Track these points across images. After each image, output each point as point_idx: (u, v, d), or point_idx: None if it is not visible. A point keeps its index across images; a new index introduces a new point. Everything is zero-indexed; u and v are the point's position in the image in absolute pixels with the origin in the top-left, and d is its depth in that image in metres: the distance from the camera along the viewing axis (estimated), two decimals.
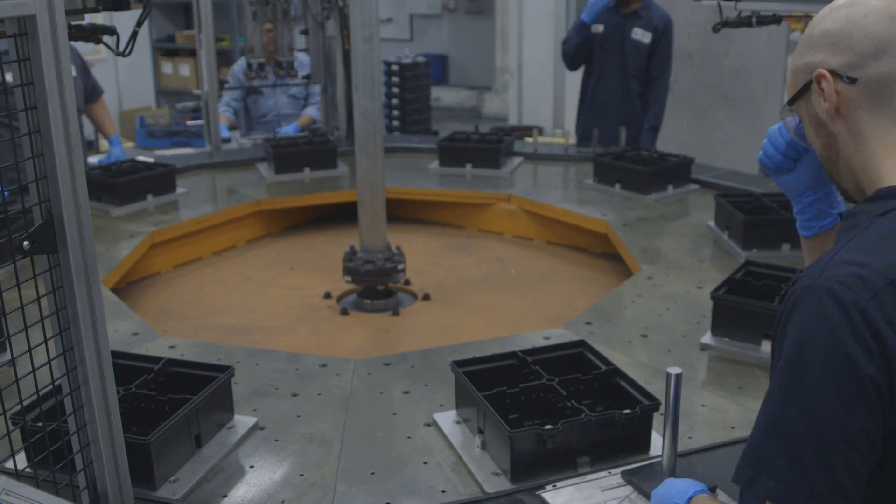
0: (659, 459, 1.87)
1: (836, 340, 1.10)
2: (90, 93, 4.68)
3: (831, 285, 1.12)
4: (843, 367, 1.10)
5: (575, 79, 7.31)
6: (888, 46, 1.23)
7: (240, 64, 5.68)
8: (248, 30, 5.17)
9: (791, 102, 1.37)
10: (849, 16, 1.26)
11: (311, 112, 5.72)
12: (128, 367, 2.17)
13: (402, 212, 4.49)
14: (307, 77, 5.46)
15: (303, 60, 5.54)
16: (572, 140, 5.17)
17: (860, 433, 1.10)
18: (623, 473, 1.88)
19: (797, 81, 1.34)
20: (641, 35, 4.90)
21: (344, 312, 3.45)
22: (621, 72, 4.96)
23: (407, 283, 3.64)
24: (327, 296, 3.56)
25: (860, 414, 1.10)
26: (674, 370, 1.74)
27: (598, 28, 4.98)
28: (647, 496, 1.79)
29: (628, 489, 1.85)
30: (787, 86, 1.38)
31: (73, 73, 4.55)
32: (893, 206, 1.20)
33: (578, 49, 5.02)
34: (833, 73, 1.26)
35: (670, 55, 5.02)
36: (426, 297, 3.59)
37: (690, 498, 1.42)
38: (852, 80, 1.25)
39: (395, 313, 3.44)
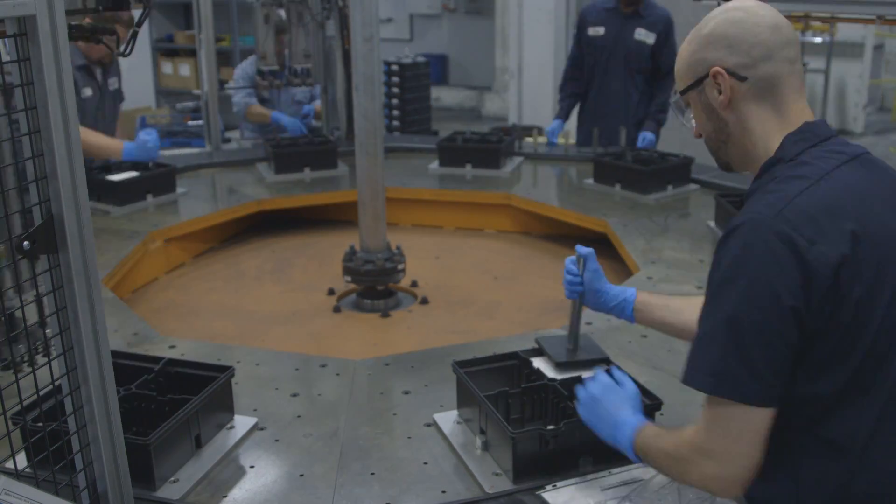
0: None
1: (751, 256, 1.36)
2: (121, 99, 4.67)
3: (747, 216, 1.40)
4: (756, 278, 1.36)
5: None
6: (773, 52, 1.48)
7: (245, 66, 5.62)
8: (259, 34, 4.88)
9: (686, 91, 1.58)
10: (743, 22, 1.50)
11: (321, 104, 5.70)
12: (128, 367, 2.16)
13: (402, 212, 4.48)
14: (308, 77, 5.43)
15: None
16: (572, 140, 5.17)
17: (770, 330, 1.35)
18: (536, 338, 2.28)
19: (692, 73, 1.56)
20: (645, 35, 4.88)
21: (341, 312, 3.45)
22: (624, 73, 4.94)
23: (414, 284, 3.63)
24: (329, 295, 3.56)
25: (770, 314, 1.35)
26: (583, 250, 2.09)
27: (599, 31, 4.95)
28: (551, 358, 2.17)
29: (629, 489, 1.85)
30: (679, 75, 1.60)
31: (117, 84, 4.50)
32: (776, 162, 1.48)
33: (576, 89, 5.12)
34: (728, 71, 1.50)
35: (675, 49, 4.98)
36: (425, 299, 3.59)
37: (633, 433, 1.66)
38: (743, 78, 1.49)
39: (387, 315, 3.44)
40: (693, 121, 1.64)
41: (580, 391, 1.81)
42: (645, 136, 4.85)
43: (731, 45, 1.49)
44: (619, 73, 4.94)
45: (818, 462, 1.43)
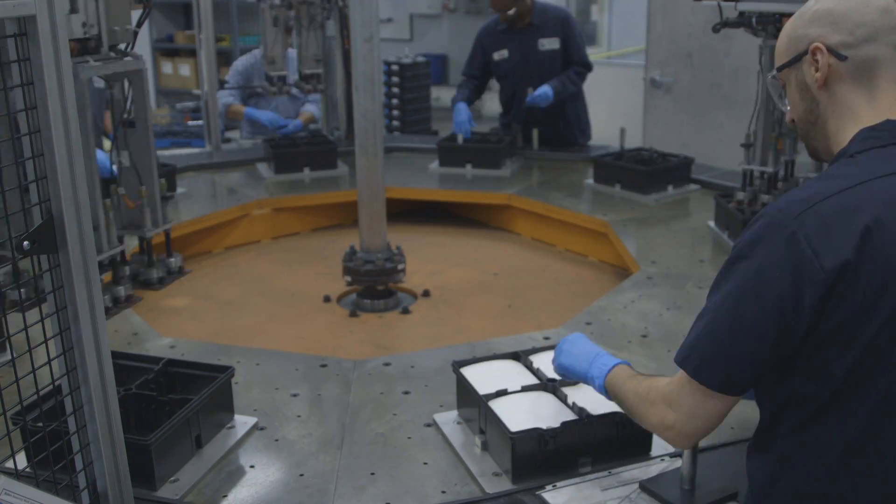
0: (668, 465, 1.87)
1: (755, 253, 1.37)
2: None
3: (769, 210, 1.40)
4: (752, 275, 1.37)
5: None
6: (878, 35, 1.44)
7: (243, 62, 5.62)
8: (268, 37, 4.65)
9: (783, 67, 1.54)
10: (851, 1, 1.45)
11: (311, 109, 5.68)
12: (128, 367, 2.17)
13: (401, 212, 4.48)
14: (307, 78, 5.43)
15: (293, 57, 5.39)
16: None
17: (754, 326, 1.38)
18: (641, 484, 1.86)
19: (792, 49, 1.52)
20: (549, 43, 4.83)
21: (341, 311, 3.45)
22: (542, 83, 4.81)
23: (426, 294, 3.61)
24: (327, 298, 3.56)
25: (756, 312, 1.37)
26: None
27: (503, 54, 4.88)
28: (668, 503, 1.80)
29: (628, 489, 1.85)
30: (779, 52, 1.55)
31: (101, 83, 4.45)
32: (841, 156, 1.45)
33: (477, 88, 5.04)
34: (829, 48, 1.45)
35: (582, 44, 4.94)
36: (426, 296, 3.59)
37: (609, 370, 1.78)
38: (843, 58, 1.45)
39: (397, 313, 3.44)
40: (788, 104, 1.57)
41: (561, 342, 1.95)
42: (542, 92, 4.73)
43: (836, 23, 1.45)
44: (536, 87, 4.82)
45: (802, 459, 1.44)
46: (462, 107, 4.89)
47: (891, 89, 1.45)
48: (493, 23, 4.98)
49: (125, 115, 3.17)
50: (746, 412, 2.21)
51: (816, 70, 1.47)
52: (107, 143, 4.74)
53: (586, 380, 1.84)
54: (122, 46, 2.98)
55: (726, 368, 1.42)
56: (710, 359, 1.43)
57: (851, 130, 1.46)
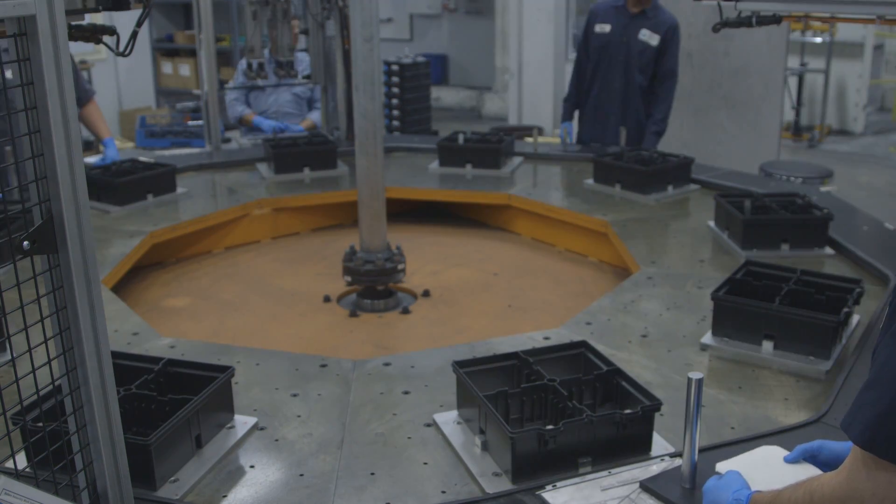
0: (669, 465, 1.86)
1: None
2: (79, 97, 4.63)
3: None
4: None
5: None
6: None
7: (243, 64, 5.66)
8: (248, 30, 5.12)
9: None
10: None
11: (315, 117, 5.72)
12: (128, 367, 2.17)
13: (401, 212, 4.49)
14: (307, 77, 5.46)
15: (303, 59, 5.53)
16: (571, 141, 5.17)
17: None
18: (641, 483, 1.86)
19: None
20: (649, 37, 4.91)
21: (341, 311, 3.45)
22: (626, 71, 4.98)
23: (426, 294, 3.60)
24: (326, 299, 3.56)
25: None
26: (695, 375, 1.74)
27: (605, 28, 4.99)
28: (670, 502, 1.79)
29: (628, 489, 1.85)
30: None
31: None
32: None
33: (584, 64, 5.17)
34: None
35: (678, 57, 5.03)
36: (426, 296, 3.59)
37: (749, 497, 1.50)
38: None
39: (397, 313, 3.44)
40: None
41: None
42: (649, 142, 4.92)
43: None
44: (621, 72, 4.99)
45: None
46: (567, 126, 5.18)
47: None
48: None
49: None
50: (747, 411, 2.22)
51: None
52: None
53: None
54: (121, 47, 2.97)
55: None
56: (892, 424, 1.22)
57: None
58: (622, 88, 4.99)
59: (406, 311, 3.45)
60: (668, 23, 4.95)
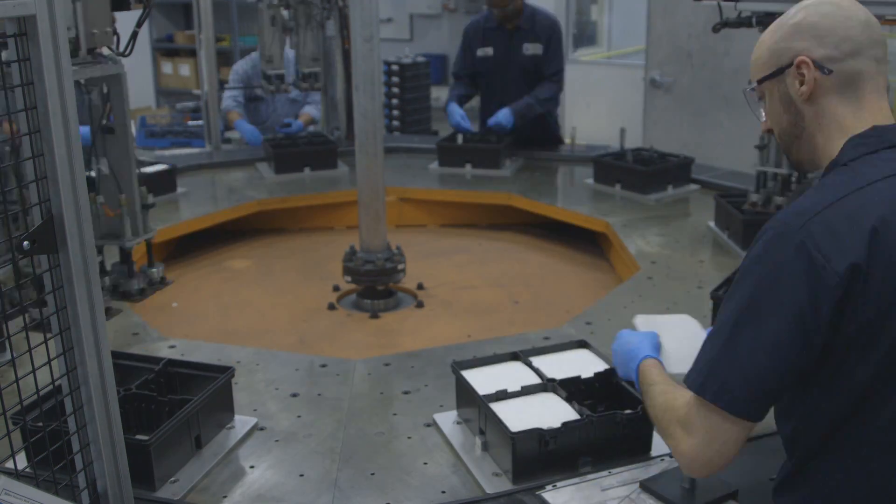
0: (670, 463, 1.87)
1: (766, 264, 1.36)
2: None
3: (776, 221, 1.39)
4: (766, 287, 1.35)
5: (575, 78, 7.29)
6: (862, 49, 1.45)
7: (243, 65, 5.62)
8: (265, 37, 4.68)
9: (764, 80, 1.54)
10: (834, 15, 1.46)
11: (310, 111, 5.68)
12: (128, 367, 2.17)
13: (401, 211, 4.49)
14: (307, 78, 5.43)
15: (290, 58, 5.37)
16: (572, 140, 5.16)
17: (773, 343, 1.34)
18: (641, 483, 1.86)
19: (773, 61, 1.51)
20: (534, 48, 4.84)
21: (341, 312, 3.45)
22: (519, 87, 4.85)
23: (426, 294, 3.60)
24: (329, 303, 3.55)
25: (775, 326, 1.34)
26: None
27: (487, 51, 4.90)
28: (669, 501, 1.79)
29: (628, 489, 1.85)
30: (758, 63, 1.56)
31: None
32: (834, 165, 1.46)
33: (469, 86, 5.04)
34: (814, 62, 1.45)
35: (561, 55, 4.97)
36: (426, 297, 3.58)
37: (640, 362, 1.73)
38: (829, 72, 1.45)
39: (401, 312, 3.44)
40: (764, 114, 1.58)
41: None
42: (501, 118, 4.71)
43: (820, 37, 1.45)
44: (515, 89, 4.86)
45: (831, 477, 1.42)
46: (453, 107, 4.89)
47: (874, 100, 1.47)
48: (481, 19, 5.00)
49: (103, 121, 3.05)
50: None
51: (801, 83, 1.47)
52: None
53: (630, 379, 1.80)
54: (121, 47, 2.97)
55: (749, 391, 1.37)
56: (730, 381, 1.38)
57: (839, 141, 1.46)
58: (517, 100, 4.84)
59: (406, 311, 3.45)
60: (548, 26, 4.87)
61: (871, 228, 1.31)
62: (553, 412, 1.98)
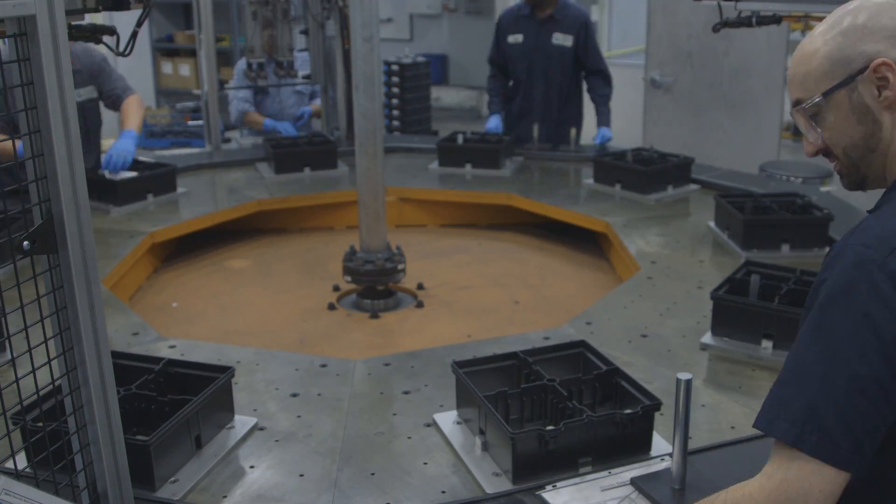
0: (668, 465, 1.86)
1: (855, 296, 1.22)
2: (118, 95, 4.34)
3: (855, 247, 1.25)
4: (860, 321, 1.21)
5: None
6: None
7: (241, 64, 5.65)
8: (248, 30, 5.16)
9: (829, 93, 1.38)
10: None
11: (320, 103, 5.71)
12: (128, 367, 2.16)
13: (401, 211, 4.49)
14: (307, 77, 5.45)
15: (303, 59, 5.53)
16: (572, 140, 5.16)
17: (873, 381, 1.19)
18: (632, 480, 1.87)
19: (840, 70, 1.36)
20: (563, 39, 4.92)
21: (341, 312, 3.45)
22: (546, 78, 4.99)
23: (426, 294, 3.61)
24: (333, 292, 3.55)
25: (874, 363, 1.19)
26: (683, 375, 1.74)
27: (518, 38, 4.99)
28: (656, 502, 1.79)
29: (628, 489, 1.85)
30: (815, 75, 1.39)
31: (84, 96, 4.27)
32: None
33: (502, 78, 5.17)
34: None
35: (598, 49, 5.08)
36: (421, 298, 3.58)
37: None
38: None
39: (401, 312, 3.44)
40: (820, 131, 1.42)
41: None
42: (604, 134, 4.94)
43: (894, 37, 1.33)
44: (542, 79, 5.00)
45: None
46: (495, 120, 5.08)
47: None
48: (515, 7, 5.10)
49: None
50: (747, 411, 2.21)
51: (881, 88, 1.34)
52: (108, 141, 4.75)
53: None
54: (121, 47, 2.96)
55: (852, 438, 1.20)
56: (831, 429, 1.20)
57: None
58: (543, 95, 5.00)
59: (406, 311, 3.45)
60: (579, 20, 4.95)
61: None
62: None
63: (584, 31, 4.94)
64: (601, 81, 5.06)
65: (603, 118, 5.02)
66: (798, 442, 1.21)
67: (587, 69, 5.03)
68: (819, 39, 1.40)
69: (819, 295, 1.27)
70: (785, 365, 1.29)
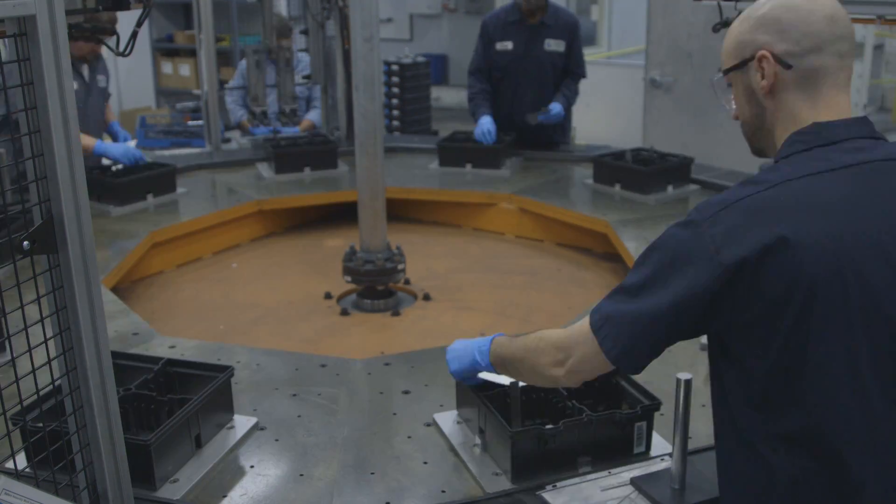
0: (668, 465, 1.87)
1: (667, 248, 1.49)
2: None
3: (692, 210, 1.49)
4: (664, 270, 1.46)
5: None
6: (825, 45, 1.44)
7: (244, 64, 5.64)
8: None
9: (729, 70, 1.54)
10: (798, 9, 1.45)
11: (313, 117, 5.71)
12: (128, 367, 2.17)
13: (402, 212, 4.49)
14: (307, 77, 5.45)
15: (303, 59, 5.54)
16: (572, 140, 5.17)
17: (660, 315, 1.45)
18: (632, 480, 1.87)
19: (738, 53, 1.52)
20: (555, 45, 4.84)
21: (344, 312, 3.45)
22: (538, 84, 4.86)
23: (426, 294, 3.61)
24: (327, 296, 3.56)
25: (664, 303, 1.44)
26: (683, 375, 1.75)
27: (507, 45, 4.86)
28: (656, 502, 1.79)
29: (628, 489, 1.85)
30: (726, 53, 1.55)
31: (105, 83, 4.46)
32: (777, 158, 1.49)
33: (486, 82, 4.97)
34: (775, 57, 1.45)
35: (582, 52, 5.01)
36: (426, 297, 3.59)
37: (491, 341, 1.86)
38: (788, 66, 1.45)
39: (396, 313, 3.44)
40: (733, 102, 1.59)
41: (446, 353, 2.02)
42: (553, 107, 4.78)
43: (783, 31, 1.45)
44: (535, 86, 4.86)
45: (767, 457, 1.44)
46: (486, 121, 4.78)
47: (832, 95, 1.46)
48: (500, 13, 4.96)
49: None
50: None
51: (762, 77, 1.47)
52: (106, 138, 4.75)
53: (479, 369, 1.91)
54: (121, 47, 2.95)
55: (633, 349, 1.50)
56: (619, 334, 1.49)
57: (787, 136, 1.48)
58: (533, 102, 4.85)
59: (406, 310, 3.45)
60: (570, 23, 4.87)
61: (770, 230, 1.34)
62: None
63: (574, 35, 4.88)
64: (573, 83, 4.94)
65: (563, 99, 4.84)
66: (596, 331, 1.52)
67: (568, 70, 4.92)
68: (737, 21, 1.55)
69: (661, 234, 1.54)
70: (620, 283, 1.55)
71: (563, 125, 5.08)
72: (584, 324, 1.55)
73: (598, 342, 1.51)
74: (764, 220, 1.36)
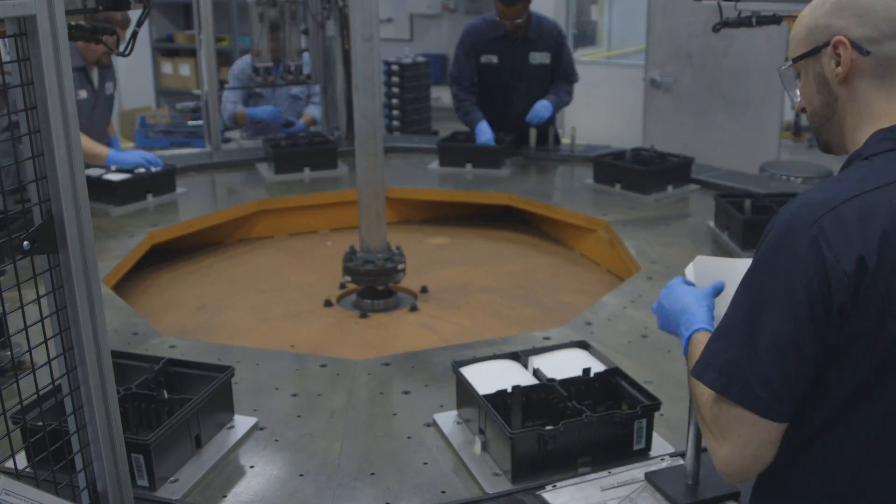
0: (671, 462, 1.87)
1: (778, 261, 1.30)
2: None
3: (785, 214, 1.33)
4: (779, 285, 1.29)
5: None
6: None
7: (240, 64, 5.63)
8: (254, 32, 5.01)
9: (800, 58, 1.46)
10: None
11: (313, 111, 5.70)
12: (128, 367, 2.16)
13: (401, 211, 4.49)
14: (308, 77, 5.45)
15: (305, 60, 5.52)
16: (570, 139, 5.16)
17: (790, 342, 1.28)
18: (647, 475, 1.87)
19: (811, 39, 1.44)
20: (541, 57, 4.82)
21: (341, 312, 3.45)
22: (524, 96, 4.84)
23: (426, 294, 3.60)
24: (327, 303, 3.55)
25: (790, 325, 1.28)
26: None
27: (492, 59, 4.83)
28: (671, 498, 1.80)
29: (628, 489, 1.85)
30: (796, 40, 1.47)
31: (112, 90, 4.44)
32: (855, 158, 1.41)
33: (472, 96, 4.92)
34: (852, 42, 1.38)
35: (572, 57, 4.99)
36: (426, 297, 3.58)
37: (692, 333, 1.57)
38: (866, 53, 1.38)
39: (401, 312, 3.44)
40: (798, 93, 1.51)
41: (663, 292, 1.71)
42: (536, 105, 4.75)
43: (861, 16, 1.38)
44: (519, 98, 4.85)
45: (813, 478, 1.38)
46: (484, 127, 4.76)
47: None
48: (483, 25, 4.89)
49: None
50: None
51: (837, 64, 1.40)
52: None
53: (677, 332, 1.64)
54: (121, 47, 2.96)
55: (770, 390, 1.30)
56: (752, 382, 1.30)
57: (868, 130, 1.40)
58: (520, 114, 4.82)
59: (406, 310, 3.45)
60: (553, 34, 4.83)
61: (881, 232, 1.27)
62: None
63: (560, 45, 4.84)
64: (566, 86, 4.92)
65: (553, 98, 4.82)
66: (724, 390, 1.33)
67: (558, 76, 4.90)
68: (808, 7, 1.47)
69: (758, 249, 1.36)
70: (721, 321, 1.39)
71: (547, 127, 5.02)
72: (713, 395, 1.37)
73: (734, 400, 1.32)
74: (874, 224, 1.28)
